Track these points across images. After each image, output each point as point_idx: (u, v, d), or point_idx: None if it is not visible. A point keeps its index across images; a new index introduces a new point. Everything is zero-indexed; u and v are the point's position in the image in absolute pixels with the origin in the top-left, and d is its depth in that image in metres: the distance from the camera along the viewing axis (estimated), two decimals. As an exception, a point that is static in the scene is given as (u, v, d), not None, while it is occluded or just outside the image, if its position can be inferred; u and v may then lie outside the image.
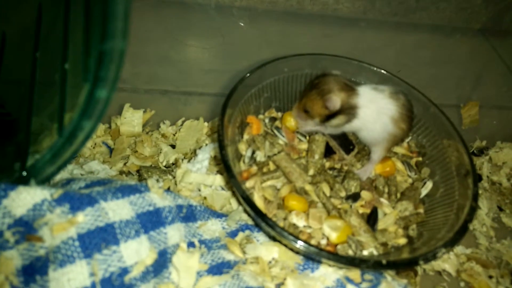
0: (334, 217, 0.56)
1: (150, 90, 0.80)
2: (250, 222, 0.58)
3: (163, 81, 0.82)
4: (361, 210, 0.59)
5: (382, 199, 0.61)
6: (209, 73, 0.86)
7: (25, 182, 0.43)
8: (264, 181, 0.59)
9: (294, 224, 0.55)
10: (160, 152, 0.71)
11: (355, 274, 0.53)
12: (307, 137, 0.66)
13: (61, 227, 0.42)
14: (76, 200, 0.43)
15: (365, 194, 0.60)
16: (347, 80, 0.61)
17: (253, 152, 0.62)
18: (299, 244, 0.47)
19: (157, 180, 0.65)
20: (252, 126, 0.65)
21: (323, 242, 0.55)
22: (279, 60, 0.67)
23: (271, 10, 1.01)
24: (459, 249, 0.67)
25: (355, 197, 0.60)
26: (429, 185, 0.64)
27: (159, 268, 0.47)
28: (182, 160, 0.68)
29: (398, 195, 0.63)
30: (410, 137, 0.70)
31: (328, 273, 0.52)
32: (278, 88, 0.70)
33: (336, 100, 0.58)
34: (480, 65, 1.05)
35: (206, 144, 0.70)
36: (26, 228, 0.42)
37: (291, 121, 0.66)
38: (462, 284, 0.62)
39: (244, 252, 0.54)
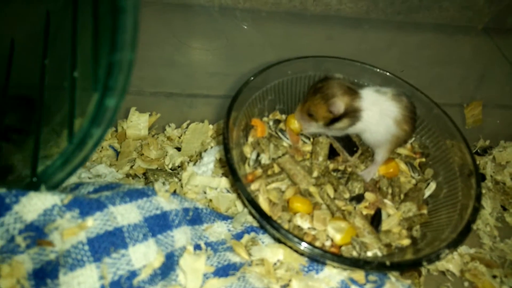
0: (338, 218, 0.57)
1: (156, 93, 0.81)
2: (255, 224, 0.59)
3: (168, 84, 0.83)
4: (365, 212, 0.60)
5: (385, 200, 0.62)
6: (213, 75, 0.87)
7: (35, 187, 0.44)
8: (269, 184, 0.60)
9: (298, 226, 0.56)
10: (166, 155, 0.72)
11: (359, 275, 0.53)
12: (311, 139, 0.67)
13: (71, 232, 0.43)
14: (85, 205, 0.44)
15: (369, 196, 0.61)
16: (350, 83, 0.62)
17: (258, 155, 0.63)
18: (304, 246, 0.48)
19: (163, 183, 0.66)
20: (256, 128, 0.66)
21: (328, 243, 0.55)
22: (283, 63, 0.68)
23: (274, 11, 1.01)
24: (463, 249, 0.67)
25: (359, 198, 0.60)
26: (433, 186, 0.64)
27: (167, 270, 0.48)
28: (188, 162, 0.69)
29: (402, 196, 0.64)
30: (413, 138, 0.70)
31: (333, 274, 0.53)
32: (282, 91, 0.71)
33: (340, 104, 0.59)
34: (483, 64, 1.05)
35: (211, 147, 0.70)
36: (37, 233, 0.43)
37: (295, 123, 0.67)
38: (466, 284, 0.63)
39: (249, 254, 0.54)
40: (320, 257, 0.49)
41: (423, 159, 0.69)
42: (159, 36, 0.89)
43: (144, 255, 0.46)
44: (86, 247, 0.43)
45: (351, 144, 0.66)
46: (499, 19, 1.11)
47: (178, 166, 0.71)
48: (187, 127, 0.77)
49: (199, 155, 0.71)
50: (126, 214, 0.47)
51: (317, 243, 0.55)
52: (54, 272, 0.42)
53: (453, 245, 0.51)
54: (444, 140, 0.66)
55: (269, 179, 0.60)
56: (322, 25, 1.02)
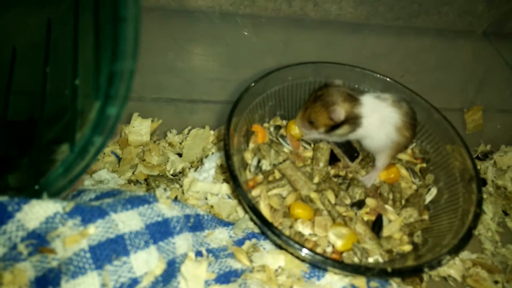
0: (340, 224, 0.57)
1: (157, 99, 0.81)
2: (256, 230, 0.59)
3: (169, 90, 0.83)
4: (366, 217, 0.60)
5: (387, 206, 0.62)
6: (214, 81, 0.87)
7: (37, 195, 0.44)
8: (270, 190, 0.60)
9: (299, 232, 0.56)
10: (167, 161, 0.72)
11: (360, 281, 0.53)
12: (312, 145, 0.67)
13: (73, 239, 0.43)
14: (87, 213, 0.44)
15: (370, 201, 0.61)
16: (350, 90, 0.62)
17: (259, 161, 0.63)
18: (305, 252, 0.48)
19: (165, 189, 0.66)
20: (257, 134, 0.66)
21: (329, 250, 0.55)
22: (283, 69, 0.68)
23: (274, 17, 1.02)
24: (464, 254, 0.67)
25: (360, 204, 0.60)
26: (434, 191, 0.64)
27: (168, 277, 0.48)
28: (189, 169, 0.69)
29: (403, 201, 0.64)
30: (414, 144, 0.70)
31: (334, 280, 0.53)
32: (282, 97, 0.71)
33: (340, 111, 0.59)
34: (483, 69, 1.05)
35: (212, 153, 0.71)
36: (39, 240, 0.43)
37: (296, 129, 0.67)
38: (467, 289, 0.63)
39: (251, 261, 0.54)
40: (321, 263, 0.49)
41: (424, 165, 0.69)
42: (160, 42, 0.90)
43: (145, 262, 0.46)
44: (88, 255, 0.43)
45: (351, 150, 0.66)
46: (499, 23, 1.11)
47: (180, 172, 0.71)
48: (188, 133, 0.77)
49: (200, 161, 0.71)
50: (127, 221, 0.47)
51: (318, 250, 0.55)
52: (56, 279, 0.42)
53: (455, 250, 0.51)
54: (445, 145, 0.66)
55: (270, 185, 0.60)
56: (322, 30, 1.03)
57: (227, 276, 0.52)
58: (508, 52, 1.07)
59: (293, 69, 0.69)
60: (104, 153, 0.73)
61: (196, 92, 0.84)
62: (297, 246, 0.49)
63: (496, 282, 0.63)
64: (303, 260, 0.54)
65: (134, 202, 0.49)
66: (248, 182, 0.60)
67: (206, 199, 0.63)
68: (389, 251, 0.57)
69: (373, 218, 0.60)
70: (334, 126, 0.61)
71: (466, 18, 1.09)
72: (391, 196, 0.63)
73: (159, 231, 0.49)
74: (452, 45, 1.09)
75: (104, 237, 0.44)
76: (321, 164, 0.63)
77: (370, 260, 0.55)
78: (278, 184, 0.60)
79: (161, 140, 0.76)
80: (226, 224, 0.58)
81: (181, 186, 0.66)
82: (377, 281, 0.54)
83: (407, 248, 0.58)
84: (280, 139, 0.67)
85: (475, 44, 1.11)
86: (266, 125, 0.71)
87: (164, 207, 0.52)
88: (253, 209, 0.51)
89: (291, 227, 0.57)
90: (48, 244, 0.43)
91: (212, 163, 0.67)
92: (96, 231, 0.44)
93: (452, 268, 0.63)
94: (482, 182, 0.78)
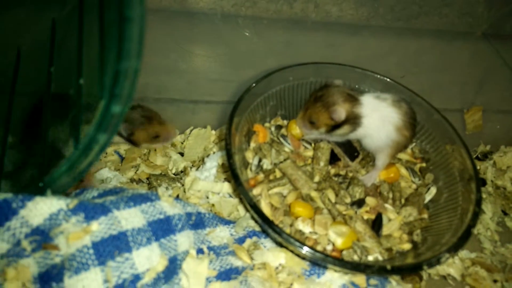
0: (340, 223, 0.57)
1: (159, 99, 0.82)
2: (257, 228, 0.59)
3: (171, 90, 0.83)
4: (366, 216, 0.61)
5: (386, 205, 0.63)
6: (216, 82, 0.88)
7: (41, 192, 0.45)
8: (271, 188, 0.60)
9: (300, 230, 0.56)
10: (170, 160, 0.72)
11: (360, 279, 0.54)
12: (313, 145, 0.68)
13: (76, 236, 0.43)
14: (90, 210, 0.45)
15: (370, 200, 0.62)
16: (350, 90, 0.63)
17: (260, 160, 0.64)
18: (305, 250, 0.49)
19: (167, 188, 0.67)
20: (258, 134, 0.67)
21: (329, 248, 0.56)
22: (284, 70, 0.69)
23: (275, 18, 1.02)
24: (463, 253, 0.67)
25: (360, 203, 0.61)
26: (433, 190, 0.65)
27: (170, 274, 0.49)
28: (191, 168, 0.70)
29: (403, 200, 0.64)
30: (414, 143, 0.71)
31: (334, 278, 0.54)
32: (283, 97, 0.71)
33: (341, 111, 0.60)
34: (483, 70, 1.05)
35: (214, 152, 0.71)
36: (42, 236, 0.44)
37: (296, 129, 0.67)
38: (467, 288, 0.63)
39: (251, 258, 0.55)
40: (321, 261, 0.49)
41: (424, 164, 0.70)
42: (162, 43, 0.90)
43: (147, 259, 0.46)
44: (91, 251, 0.43)
45: (352, 149, 0.67)
46: (499, 24, 1.11)
47: (181, 171, 0.72)
48: (190, 133, 0.78)
49: (202, 161, 0.71)
50: (130, 218, 0.47)
51: (319, 247, 0.55)
52: (59, 275, 0.43)
53: (454, 249, 0.51)
54: (444, 145, 0.67)
55: (271, 184, 0.60)
56: (323, 32, 1.03)
57: (228, 273, 0.52)
58: (508, 53, 1.07)
59: (294, 70, 0.70)
60: (107, 153, 0.73)
61: (198, 92, 0.85)
62: (297, 244, 0.49)
63: (495, 281, 0.64)
64: (303, 258, 0.55)
65: (137, 199, 0.50)
66: (249, 181, 0.61)
67: (207, 197, 0.64)
68: (389, 250, 0.57)
69: (373, 216, 0.61)
70: (334, 126, 0.62)
71: (466, 19, 1.10)
72: (391, 195, 0.64)
73: (161, 229, 0.50)
74: (452, 46, 1.09)
75: (107, 234, 0.45)
76: (322, 164, 0.64)
77: (370, 258, 0.55)
78: (279, 183, 0.61)
79: (163, 140, 0.77)
80: (227, 222, 0.59)
81: (183, 185, 0.66)
82: (376, 278, 0.55)
83: (407, 246, 0.59)
84: (281, 139, 0.68)
85: (475, 45, 1.11)
86: (267, 124, 0.71)
87: (166, 205, 0.52)
88: (254, 208, 0.52)
89: (291, 225, 0.57)
90: (52, 240, 0.44)
91: (213, 162, 0.67)
92: (99, 227, 0.44)
93: (452, 267, 0.64)
94: (482, 182, 0.79)
